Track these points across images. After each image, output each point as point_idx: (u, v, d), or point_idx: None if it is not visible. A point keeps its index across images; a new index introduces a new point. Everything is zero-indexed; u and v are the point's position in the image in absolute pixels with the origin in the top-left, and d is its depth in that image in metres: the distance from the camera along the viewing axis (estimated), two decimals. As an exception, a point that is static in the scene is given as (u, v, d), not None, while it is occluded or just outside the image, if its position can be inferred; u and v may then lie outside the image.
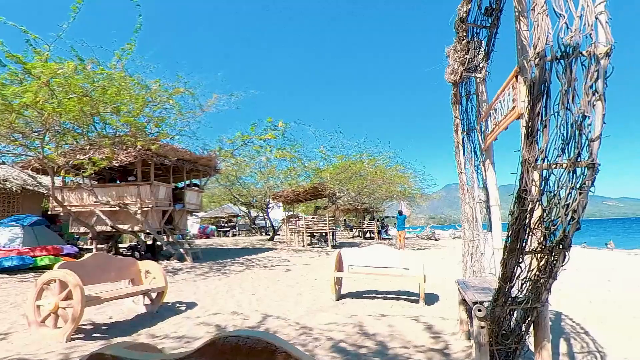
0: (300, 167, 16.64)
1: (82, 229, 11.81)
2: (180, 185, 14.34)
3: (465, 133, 4.68)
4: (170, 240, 11.94)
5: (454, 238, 29.63)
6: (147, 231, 11.60)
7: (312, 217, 19.89)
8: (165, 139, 10.24)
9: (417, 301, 6.24)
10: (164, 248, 11.60)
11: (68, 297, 4.25)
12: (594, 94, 1.96)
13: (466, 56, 4.26)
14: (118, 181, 13.06)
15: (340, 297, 6.66)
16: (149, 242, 13.23)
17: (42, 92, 6.92)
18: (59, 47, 7.33)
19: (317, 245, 18.52)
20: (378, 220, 28.39)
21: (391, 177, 21.95)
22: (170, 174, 13.03)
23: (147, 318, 5.26)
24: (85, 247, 13.77)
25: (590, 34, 1.95)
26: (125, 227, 11.54)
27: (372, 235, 26.83)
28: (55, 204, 11.37)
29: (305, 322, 5.08)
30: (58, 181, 12.14)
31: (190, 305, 5.99)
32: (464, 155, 4.65)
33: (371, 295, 6.93)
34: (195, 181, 15.28)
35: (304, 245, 18.26)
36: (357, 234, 29.86)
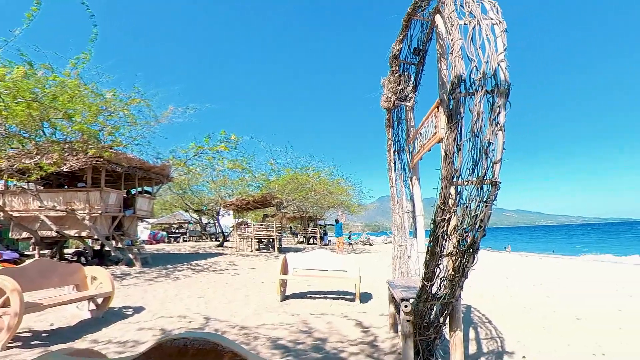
0: (251, 178, 16.31)
1: (25, 234, 10.52)
2: (132, 192, 13.37)
3: (396, 152, 4.87)
4: (119, 245, 11.02)
5: (386, 243, 30.64)
6: (95, 237, 10.61)
7: (261, 224, 19.52)
8: (119, 147, 9.52)
9: (353, 300, 6.34)
10: (113, 253, 10.68)
11: (5, 304, 3.75)
12: (496, 125, 2.17)
13: (398, 87, 4.49)
14: (66, 186, 11.87)
15: (284, 298, 6.58)
16: (97, 247, 12.11)
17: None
18: (9, 51, 6.59)
19: (265, 251, 18.16)
20: (320, 228, 28.59)
21: (333, 189, 22.34)
22: (121, 180, 12.10)
23: (92, 324, 4.77)
24: (27, 252, 12.25)
25: (494, 76, 2.18)
26: (72, 232, 10.47)
27: (315, 241, 26.93)
28: (-6, 208, 10.03)
29: (251, 323, 4.93)
30: (0, 185, 10.75)
31: (138, 310, 5.54)
32: (395, 171, 4.83)
33: (313, 295, 6.92)
34: (147, 188, 14.34)
35: (252, 251, 17.81)
36: (301, 240, 29.75)
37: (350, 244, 26.09)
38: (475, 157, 2.24)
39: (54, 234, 10.46)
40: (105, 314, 5.09)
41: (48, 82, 7.03)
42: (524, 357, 3.73)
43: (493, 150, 2.18)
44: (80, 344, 4.00)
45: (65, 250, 13.24)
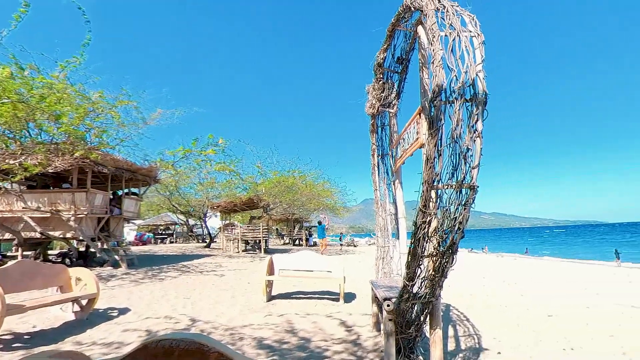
0: (239, 180, 16.16)
1: (7, 235, 10.11)
2: (119, 193, 13.03)
3: (380, 157, 4.91)
4: (105, 247, 10.71)
5: (369, 245, 30.80)
6: (80, 238, 10.28)
7: (247, 226, 19.32)
8: (106, 148, 9.28)
9: (337, 300, 6.34)
10: (98, 255, 10.36)
11: (-15, 306, 3.60)
12: (474, 132, 2.22)
13: (382, 94, 4.54)
14: (51, 187, 11.49)
15: (270, 298, 6.52)
16: (82, 248, 11.74)
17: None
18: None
19: (251, 252, 17.97)
20: (306, 229, 28.51)
21: (319, 191, 22.34)
22: (108, 182, 11.77)
23: (76, 325, 4.62)
24: (10, 254, 11.78)
25: (472, 86, 2.23)
26: (57, 233, 10.11)
27: (301, 242, 26.83)
28: (-25, 209, 9.62)
29: (237, 323, 4.86)
30: (-20, 185, 10.30)
31: (123, 311, 5.40)
32: (378, 175, 4.87)
33: (298, 296, 6.89)
34: (134, 190, 14.01)
35: (238, 252, 17.59)
36: (287, 241, 29.58)
37: (342, 245, 26.47)
38: (454, 162, 2.28)
39: (37, 235, 10.08)
40: (89, 316, 4.94)
41: (35, 83, 6.82)
42: (499, 353, 3.80)
43: (471, 155, 2.23)
44: (64, 345, 3.86)
45: (50, 252, 12.79)
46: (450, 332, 4.52)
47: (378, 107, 4.58)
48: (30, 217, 9.75)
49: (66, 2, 6.68)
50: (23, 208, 9.56)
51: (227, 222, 21.31)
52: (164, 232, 31.69)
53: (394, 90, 4.52)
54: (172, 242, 28.53)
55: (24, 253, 10.36)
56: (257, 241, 18.33)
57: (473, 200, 2.31)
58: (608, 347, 4.00)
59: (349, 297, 6.59)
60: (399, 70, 4.36)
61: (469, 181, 2.26)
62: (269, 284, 6.58)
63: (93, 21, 7.04)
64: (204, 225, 25.04)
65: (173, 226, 32.83)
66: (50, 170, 8.84)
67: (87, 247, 11.20)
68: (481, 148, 2.23)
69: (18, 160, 7.89)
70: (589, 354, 3.80)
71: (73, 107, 7.43)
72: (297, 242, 27.62)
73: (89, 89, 8.10)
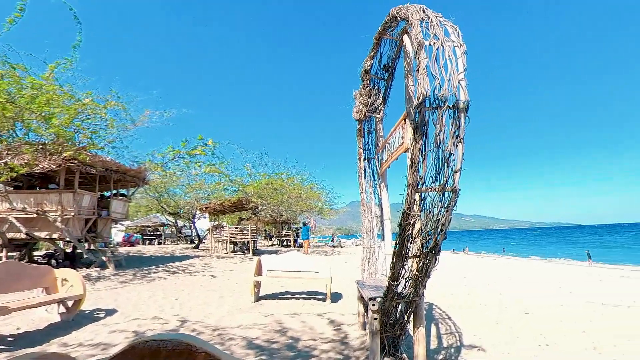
0: (228, 182, 15.97)
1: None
2: (107, 194, 12.72)
3: (366, 160, 4.94)
4: (92, 248, 10.42)
5: (356, 246, 30.89)
6: (67, 239, 9.98)
7: (236, 227, 19.12)
8: (94, 149, 9.04)
9: (324, 299, 6.33)
10: (85, 256, 10.08)
11: (-33, 309, 3.45)
12: (456, 138, 2.26)
13: (369, 100, 4.58)
14: (38, 188, 11.12)
15: (258, 298, 6.46)
16: (69, 249, 11.39)
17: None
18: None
19: (240, 253, 17.78)
20: (294, 231, 28.40)
21: (306, 193, 22.30)
22: (96, 183, 11.48)
23: (62, 327, 4.47)
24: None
25: (455, 94, 2.27)
26: (43, 234, 9.78)
27: (289, 243, 26.70)
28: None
29: (225, 323, 4.80)
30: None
31: (110, 312, 5.25)
32: (365, 178, 4.89)
33: (286, 296, 6.84)
34: (122, 191, 13.69)
35: (227, 253, 17.38)
36: (275, 242, 29.38)
37: (334, 246, 26.53)
38: (437, 166, 2.31)
39: (23, 236, 9.75)
40: (76, 317, 4.79)
41: (25, 83, 6.61)
42: (479, 349, 3.86)
43: (454, 160, 2.27)
44: (49, 347, 3.73)
45: (35, 253, 12.38)
46: (433, 330, 4.57)
47: (365, 112, 4.61)
48: (15, 218, 9.42)
49: (56, 2, 6.51)
50: (8, 209, 9.23)
51: (216, 223, 21.05)
52: (152, 233, 31.05)
53: (380, 96, 4.56)
54: (161, 243, 27.97)
55: (9, 254, 10.00)
56: (246, 242, 18.16)
57: (455, 203, 2.35)
58: (580, 343, 4.11)
59: (336, 297, 6.59)
60: (385, 77, 4.40)
61: (452, 184, 2.29)
62: (257, 285, 6.53)
63: (82, 20, 6.88)
64: (192, 226, 24.65)
65: (161, 227, 32.21)
66: (37, 171, 8.57)
67: (74, 248, 10.88)
68: (463, 153, 2.27)
69: (4, 161, 7.62)
70: (562, 349, 3.90)
71: (63, 107, 7.23)
72: (285, 243, 27.48)
73: (79, 90, 7.90)
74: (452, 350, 3.86)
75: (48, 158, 8.26)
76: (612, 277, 10.78)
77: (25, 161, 7.83)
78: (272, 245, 28.91)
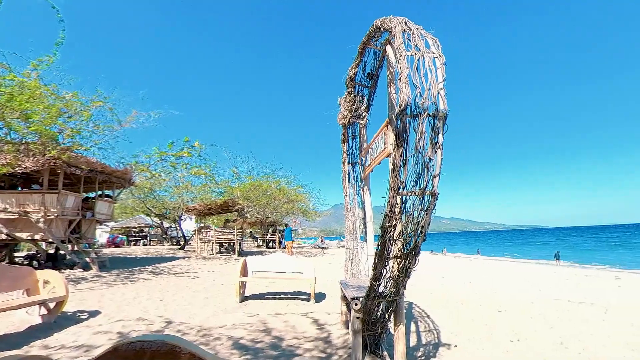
0: (214, 184, 15.77)
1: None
2: (91, 195, 12.31)
3: (350, 165, 4.96)
4: (76, 249, 10.04)
5: (339, 247, 30.96)
6: (50, 240, 9.59)
7: (222, 229, 18.84)
8: (79, 150, 8.74)
9: (308, 299, 6.30)
10: (68, 257, 9.70)
11: (-59, 312, 3.26)
12: (436, 144, 2.31)
13: (353, 106, 4.62)
14: (20, 188, 10.66)
15: (244, 299, 6.38)
16: (51, 251, 10.94)
17: None
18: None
19: (225, 254, 17.51)
20: (279, 233, 28.21)
21: (292, 196, 22.24)
22: (81, 183, 11.09)
23: (43, 329, 4.27)
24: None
25: (434, 102, 2.32)
26: (24, 235, 9.36)
27: (274, 245, 26.51)
28: None
29: (210, 324, 4.70)
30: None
31: (93, 314, 5.06)
32: (348, 182, 4.92)
33: (271, 296, 6.78)
34: (107, 192, 13.28)
35: (212, 254, 17.09)
36: (261, 244, 29.12)
37: (323, 247, 26.59)
38: (418, 171, 2.35)
39: (4, 237, 9.30)
40: (58, 319, 4.59)
41: (5, 81, 6.33)
42: (455, 345, 3.93)
43: (433, 165, 2.32)
44: (30, 350, 3.57)
45: (16, 254, 11.83)
46: (413, 328, 4.62)
47: (349, 118, 4.64)
48: (-5, 219, 9.00)
49: (40, 0, 6.28)
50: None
51: (202, 225, 20.68)
52: (137, 235, 30.23)
53: (364, 103, 4.61)
54: (146, 245, 27.26)
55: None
56: (232, 244, 17.91)
57: (434, 206, 2.39)
58: (548, 337, 4.25)
59: (320, 297, 6.58)
60: (369, 85, 4.46)
61: (431, 189, 2.34)
62: (242, 285, 6.44)
63: (66, 19, 6.67)
64: (178, 227, 24.14)
65: (147, 228, 31.39)
66: (19, 171, 8.21)
67: (57, 249, 10.46)
68: (442, 158, 2.32)
69: (-17, 161, 7.28)
70: (532, 344, 4.02)
71: (45, 106, 6.95)
72: (270, 244, 27.27)
73: (64, 89, 7.63)
74: (431, 347, 3.91)
75: (31, 158, 7.93)
76: (577, 276, 11.21)
77: (7, 161, 7.49)
78: (258, 246, 28.61)
